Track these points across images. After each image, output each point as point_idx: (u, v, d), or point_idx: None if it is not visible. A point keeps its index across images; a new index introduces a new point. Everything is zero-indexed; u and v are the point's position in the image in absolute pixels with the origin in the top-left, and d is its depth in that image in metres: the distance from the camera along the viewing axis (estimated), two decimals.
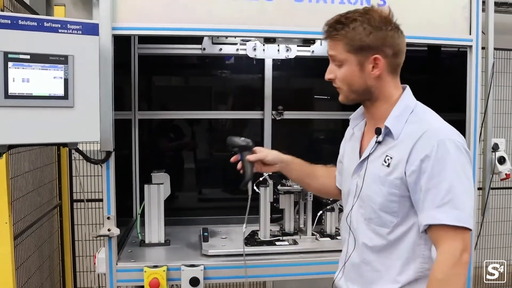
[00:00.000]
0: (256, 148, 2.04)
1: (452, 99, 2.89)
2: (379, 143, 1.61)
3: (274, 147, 3.49)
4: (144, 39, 3.11)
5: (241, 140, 2.01)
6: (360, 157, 1.69)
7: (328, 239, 2.74)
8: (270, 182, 2.69)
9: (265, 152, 2.02)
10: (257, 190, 2.74)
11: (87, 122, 1.98)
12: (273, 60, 3.36)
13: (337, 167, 1.96)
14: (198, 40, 3.06)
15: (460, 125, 2.47)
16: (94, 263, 2.43)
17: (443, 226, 1.44)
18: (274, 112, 3.50)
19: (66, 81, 1.91)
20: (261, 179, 2.75)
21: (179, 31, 2.29)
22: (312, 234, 2.75)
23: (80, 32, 1.93)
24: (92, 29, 1.96)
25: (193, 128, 3.63)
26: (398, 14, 2.27)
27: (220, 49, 3.02)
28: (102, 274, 2.38)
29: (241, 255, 2.42)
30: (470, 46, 2.59)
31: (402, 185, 1.52)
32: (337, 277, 1.78)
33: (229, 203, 3.62)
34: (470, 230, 1.44)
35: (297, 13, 2.39)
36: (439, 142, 1.47)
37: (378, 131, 1.61)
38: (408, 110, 1.60)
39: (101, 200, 2.43)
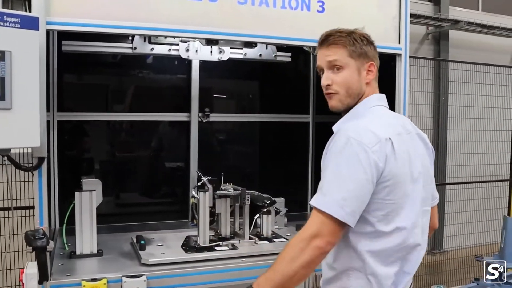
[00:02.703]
0: None
1: None
2: None
3: (200, 149, 3.44)
4: (70, 35, 2.89)
5: None
6: None
7: (266, 242, 2.75)
8: (210, 186, 2.63)
9: None
10: (196, 195, 2.68)
11: (26, 125, 1.79)
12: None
13: None
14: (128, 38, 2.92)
15: None
16: (21, 280, 2.22)
17: (313, 208, 1.58)
18: (200, 114, 3.44)
19: (2, 80, 1.71)
20: (199, 183, 2.69)
21: (121, 29, 2.17)
22: (250, 238, 2.74)
23: (19, 26, 1.74)
24: (31, 23, 1.78)
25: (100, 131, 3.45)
26: (338, 22, 2.39)
27: (152, 49, 2.91)
28: None
29: (183, 262, 2.36)
30: (399, 54, 2.75)
31: None
32: None
33: (152, 208, 3.53)
34: (337, 219, 1.52)
35: (240, 16, 2.38)
36: (335, 138, 1.64)
37: None
38: (355, 115, 1.75)
39: (28, 207, 2.23)
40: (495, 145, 6.49)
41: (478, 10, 7.65)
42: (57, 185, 3.03)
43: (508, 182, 5.56)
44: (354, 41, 1.74)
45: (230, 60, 3.13)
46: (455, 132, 6.59)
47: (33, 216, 3.26)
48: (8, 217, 3.11)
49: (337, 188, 1.56)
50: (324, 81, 1.76)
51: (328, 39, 1.76)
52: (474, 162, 6.49)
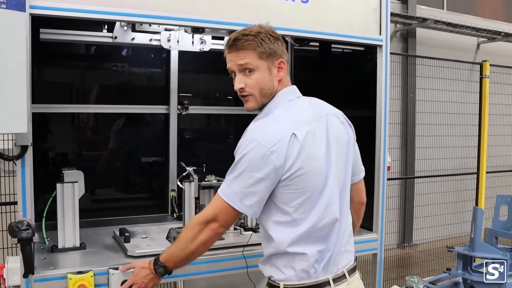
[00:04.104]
0: None
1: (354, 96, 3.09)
2: None
3: (179, 142, 3.41)
4: (47, 23, 2.79)
5: None
6: None
7: (251, 232, 2.73)
8: (195, 177, 2.61)
9: None
10: (181, 185, 2.65)
11: (12, 111, 1.72)
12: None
13: None
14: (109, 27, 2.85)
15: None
16: (1, 275, 2.13)
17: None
18: (179, 107, 3.40)
19: None
20: (184, 174, 2.66)
21: (107, 15, 2.11)
22: (235, 229, 2.73)
23: (4, 6, 1.67)
24: (17, 3, 1.71)
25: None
26: (321, 14, 2.42)
27: (133, 39, 2.86)
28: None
29: None
30: (380, 46, 2.79)
31: None
32: None
33: (130, 203, 3.47)
34: (233, 208, 1.77)
35: (226, 4, 2.37)
36: (243, 136, 1.82)
37: None
38: (266, 112, 1.89)
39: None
40: (462, 139, 6.68)
41: (443, 9, 7.86)
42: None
43: (476, 175, 5.74)
44: (262, 41, 1.83)
45: (208, 52, 3.10)
46: (423, 127, 6.77)
47: (9, 212, 3.19)
48: None
49: (238, 183, 1.76)
50: (237, 85, 1.89)
51: (236, 44, 1.84)
52: (442, 156, 6.66)
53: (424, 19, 6.99)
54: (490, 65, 5.72)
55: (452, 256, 4.95)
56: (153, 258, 1.95)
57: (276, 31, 1.90)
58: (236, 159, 1.79)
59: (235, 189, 1.77)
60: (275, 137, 1.74)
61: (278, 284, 1.85)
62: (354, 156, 2.06)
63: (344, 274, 1.91)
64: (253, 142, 1.75)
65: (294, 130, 1.77)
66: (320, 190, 1.83)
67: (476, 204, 5.56)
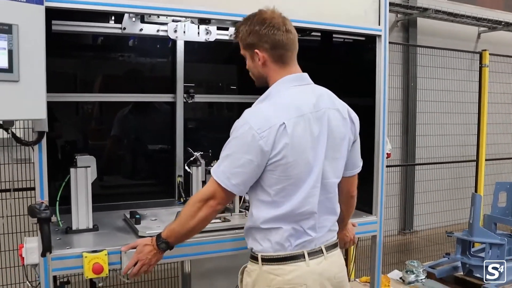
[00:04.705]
0: None
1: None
2: None
3: (186, 130, 3.51)
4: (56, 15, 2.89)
5: None
6: None
7: None
8: (202, 161, 2.72)
9: None
10: (188, 170, 2.76)
11: (32, 98, 1.83)
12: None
13: None
14: (116, 18, 2.95)
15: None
16: (20, 255, 2.26)
17: None
18: (185, 95, 3.50)
19: (10, 53, 1.75)
20: (192, 158, 2.77)
21: (117, 7, 2.21)
22: (240, 211, 2.84)
23: (25, 0, 1.78)
24: None
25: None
26: (319, 4, 2.49)
27: (141, 29, 2.94)
28: (31, 266, 2.23)
29: None
30: (379, 36, 2.88)
31: None
32: None
33: (138, 189, 3.57)
34: (221, 186, 1.90)
35: None
36: (237, 121, 1.94)
37: None
38: (265, 96, 2.01)
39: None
40: (463, 127, 6.77)
41: None
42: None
43: (475, 162, 5.84)
44: (243, 34, 2.03)
45: (212, 42, 3.18)
46: (424, 115, 6.86)
47: (21, 198, 3.30)
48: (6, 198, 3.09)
49: (228, 163, 1.90)
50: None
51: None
52: (443, 144, 6.75)
53: (425, 9, 7.05)
54: (490, 54, 5.78)
55: (452, 242, 5.07)
56: (154, 235, 2.10)
57: (262, 19, 2.00)
58: (228, 139, 1.94)
59: (224, 169, 1.90)
60: (266, 124, 1.86)
61: (257, 255, 2.01)
62: (352, 153, 2.16)
63: (322, 249, 2.03)
64: (245, 126, 1.88)
65: (285, 120, 1.87)
66: (303, 179, 1.94)
67: (476, 191, 5.66)
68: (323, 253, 2.03)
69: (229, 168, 1.89)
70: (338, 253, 2.15)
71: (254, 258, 2.04)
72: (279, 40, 1.98)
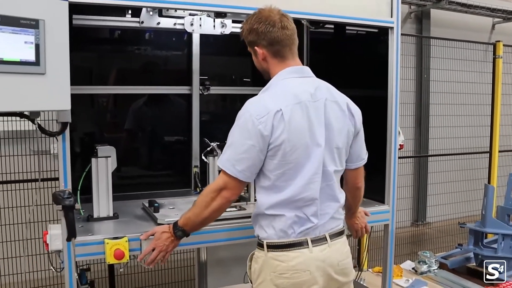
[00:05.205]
0: None
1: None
2: None
3: (201, 122, 3.58)
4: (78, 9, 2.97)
5: None
6: None
7: None
8: (219, 151, 2.79)
9: None
10: (205, 159, 2.83)
11: (58, 90, 1.91)
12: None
13: None
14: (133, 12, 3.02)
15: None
16: (44, 241, 2.34)
17: None
18: (201, 87, 3.57)
19: (37, 47, 1.82)
20: (208, 149, 2.84)
21: (137, 2, 2.28)
22: (255, 200, 2.90)
23: None
24: None
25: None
26: None
27: (158, 23, 3.02)
28: (55, 253, 2.32)
29: None
30: (392, 28, 2.91)
31: None
32: None
33: (154, 179, 3.65)
34: (228, 174, 1.98)
35: None
36: (240, 111, 2.03)
37: None
38: (266, 87, 2.11)
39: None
40: (476, 118, 6.76)
41: None
42: None
43: (488, 154, 5.84)
44: (243, 33, 2.16)
45: (226, 35, 3.25)
46: (437, 106, 6.85)
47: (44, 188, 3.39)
48: (27, 189, 3.19)
49: (231, 151, 1.98)
50: None
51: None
52: (456, 135, 6.75)
53: (439, 0, 7.02)
54: (504, 45, 5.76)
55: (464, 234, 5.09)
56: (171, 223, 2.19)
57: (260, 18, 2.10)
58: (231, 129, 2.03)
59: (229, 157, 1.98)
60: (264, 110, 1.95)
61: (263, 242, 2.08)
62: (355, 145, 2.21)
63: (326, 237, 2.09)
64: (246, 114, 1.98)
65: (282, 107, 1.96)
66: (302, 164, 2.01)
67: (489, 182, 5.66)
68: (327, 240, 2.09)
69: (233, 155, 1.97)
70: (343, 241, 2.20)
71: (260, 245, 2.11)
72: (275, 37, 2.07)
